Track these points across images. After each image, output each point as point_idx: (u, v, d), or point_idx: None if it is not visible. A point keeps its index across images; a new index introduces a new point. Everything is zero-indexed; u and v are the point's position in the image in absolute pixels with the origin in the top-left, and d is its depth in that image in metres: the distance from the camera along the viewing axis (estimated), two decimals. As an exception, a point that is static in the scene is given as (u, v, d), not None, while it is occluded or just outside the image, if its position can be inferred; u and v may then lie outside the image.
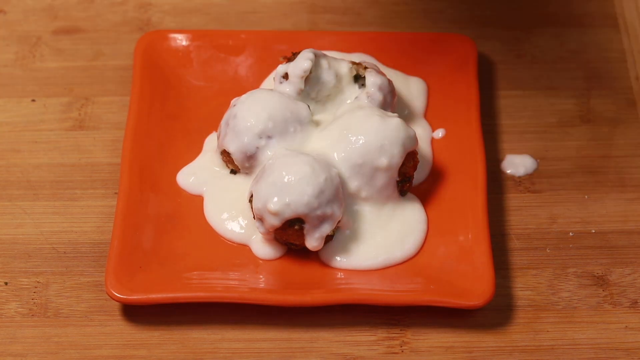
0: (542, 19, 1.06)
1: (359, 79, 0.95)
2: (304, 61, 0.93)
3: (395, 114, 0.91)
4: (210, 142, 0.96)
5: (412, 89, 0.99)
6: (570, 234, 0.93)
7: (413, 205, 0.92)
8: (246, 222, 0.91)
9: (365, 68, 0.94)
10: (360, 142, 0.89)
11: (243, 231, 0.91)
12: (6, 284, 0.90)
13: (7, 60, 1.03)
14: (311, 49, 0.95)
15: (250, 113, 0.91)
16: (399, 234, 0.90)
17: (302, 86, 0.94)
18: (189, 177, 0.94)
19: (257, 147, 0.91)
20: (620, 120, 1.00)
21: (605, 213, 0.94)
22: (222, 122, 0.93)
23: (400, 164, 0.90)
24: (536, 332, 0.88)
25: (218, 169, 0.94)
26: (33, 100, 1.00)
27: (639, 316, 0.89)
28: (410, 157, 0.90)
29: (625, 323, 0.88)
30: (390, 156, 0.89)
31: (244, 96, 0.93)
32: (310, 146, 0.92)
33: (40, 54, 1.04)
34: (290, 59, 0.95)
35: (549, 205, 0.95)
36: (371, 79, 0.93)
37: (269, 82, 0.99)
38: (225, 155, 0.93)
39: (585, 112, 1.00)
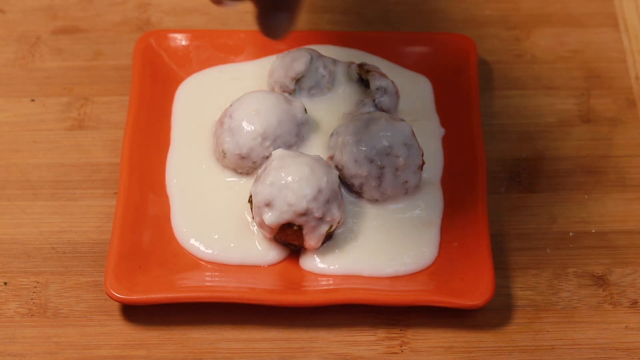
0: (542, 19, 1.06)
1: (362, 82, 0.95)
2: (297, 63, 0.93)
3: (401, 118, 0.91)
4: (180, 132, 0.96)
5: (420, 87, 0.99)
6: (570, 234, 0.93)
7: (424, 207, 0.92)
8: (234, 243, 0.90)
9: (368, 71, 0.94)
10: (368, 145, 0.89)
11: (238, 251, 0.90)
12: (5, 284, 0.90)
13: (6, 60, 1.03)
14: (307, 49, 0.95)
15: (245, 113, 0.91)
16: (408, 241, 0.90)
17: (293, 87, 0.94)
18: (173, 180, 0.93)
19: (252, 148, 0.91)
20: (620, 120, 1.00)
21: (605, 213, 0.94)
22: (217, 122, 0.93)
23: (407, 165, 0.90)
24: (536, 332, 0.88)
25: (198, 164, 0.94)
26: (32, 100, 1.00)
27: (639, 316, 0.89)
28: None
29: (625, 323, 0.88)
30: (397, 158, 0.89)
31: (240, 96, 0.93)
32: (315, 149, 0.92)
33: (40, 53, 1.04)
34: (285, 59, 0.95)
35: (549, 205, 0.95)
36: (376, 82, 0.93)
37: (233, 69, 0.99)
38: (220, 154, 0.92)
39: (585, 112, 1.00)
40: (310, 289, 0.87)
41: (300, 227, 0.87)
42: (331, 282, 0.88)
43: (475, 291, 0.86)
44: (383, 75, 0.94)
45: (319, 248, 0.89)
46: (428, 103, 0.98)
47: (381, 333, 0.88)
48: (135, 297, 0.86)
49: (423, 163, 0.91)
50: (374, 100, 0.93)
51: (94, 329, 0.88)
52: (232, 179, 0.93)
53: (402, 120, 0.91)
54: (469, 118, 0.96)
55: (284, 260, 0.90)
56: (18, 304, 0.89)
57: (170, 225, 0.91)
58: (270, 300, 0.86)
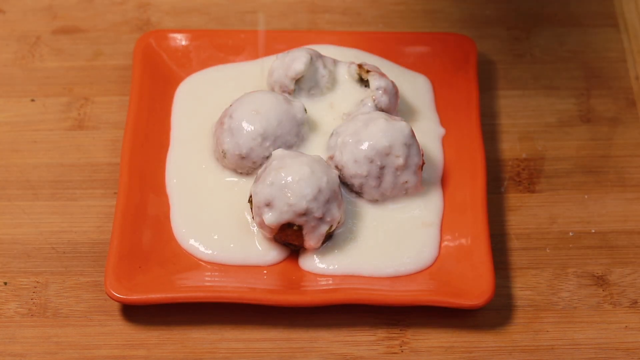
0: (542, 19, 1.06)
1: (362, 82, 0.95)
2: (296, 63, 0.93)
3: (400, 117, 0.91)
4: (180, 132, 0.96)
5: (419, 86, 0.99)
6: (570, 234, 0.93)
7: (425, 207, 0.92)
8: (234, 243, 0.90)
9: (368, 71, 0.94)
10: (368, 145, 0.89)
11: (238, 251, 0.90)
12: (5, 284, 0.90)
13: (6, 60, 1.03)
14: (307, 48, 0.95)
15: (245, 113, 0.91)
16: (408, 241, 0.90)
17: (293, 87, 0.94)
18: (173, 180, 0.93)
19: (252, 148, 0.91)
20: (620, 120, 1.00)
21: (605, 213, 0.94)
22: (217, 122, 0.93)
23: (407, 165, 0.90)
24: (536, 332, 0.88)
25: (197, 164, 0.94)
26: (32, 100, 1.00)
27: (639, 316, 0.89)
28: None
29: (625, 323, 0.88)
30: (397, 158, 0.89)
31: (240, 96, 0.93)
32: (314, 149, 0.92)
33: (40, 53, 1.03)
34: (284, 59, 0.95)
35: (549, 205, 0.95)
36: (375, 82, 0.93)
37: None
38: (220, 155, 0.92)
39: (585, 112, 1.00)
40: (310, 289, 0.87)
41: (300, 227, 0.87)
42: (331, 282, 0.88)
43: (475, 291, 0.86)
44: (383, 75, 0.94)
45: (319, 248, 0.89)
46: (428, 103, 0.98)
47: (381, 333, 0.88)
48: (135, 297, 0.86)
49: (423, 163, 0.91)
50: (374, 100, 0.93)
51: (94, 329, 0.88)
52: (232, 179, 0.93)
53: (402, 120, 0.91)
54: (469, 118, 0.96)
55: (284, 260, 0.89)
56: (18, 304, 0.89)
57: (170, 225, 0.91)
58: (270, 300, 0.86)
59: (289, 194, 0.86)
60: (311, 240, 0.87)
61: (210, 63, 1.00)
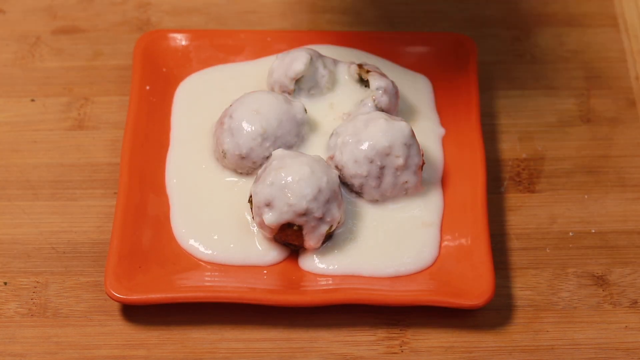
0: (542, 19, 1.06)
1: (362, 82, 0.95)
2: (296, 63, 0.93)
3: (400, 117, 0.91)
4: (179, 132, 0.96)
5: (419, 86, 0.99)
6: (570, 234, 0.93)
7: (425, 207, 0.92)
8: (234, 243, 0.90)
9: (368, 71, 0.94)
10: (368, 145, 0.89)
11: (238, 251, 0.90)
12: (5, 284, 0.90)
13: (6, 60, 1.03)
14: (307, 48, 0.95)
15: (245, 114, 0.91)
16: (408, 241, 0.90)
17: (293, 87, 0.94)
18: (173, 180, 0.93)
19: (252, 148, 0.91)
20: (620, 120, 1.00)
21: (605, 213, 0.94)
22: (217, 122, 0.93)
23: (407, 165, 0.90)
24: (536, 332, 0.88)
25: (197, 164, 0.94)
26: (32, 100, 1.00)
27: (639, 316, 0.89)
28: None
29: (625, 323, 0.88)
30: (397, 158, 0.89)
31: (240, 97, 0.93)
32: (314, 149, 0.92)
33: (40, 53, 1.03)
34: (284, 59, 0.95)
35: (549, 205, 0.95)
36: (375, 82, 0.93)
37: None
38: (220, 155, 0.92)
39: (585, 112, 1.00)
40: (310, 289, 0.87)
41: (300, 227, 0.87)
42: (331, 282, 0.88)
43: (475, 291, 0.86)
44: (383, 75, 0.94)
45: (318, 248, 0.89)
46: (428, 103, 0.98)
47: (381, 333, 0.88)
48: (135, 297, 0.86)
49: (423, 163, 0.91)
50: (374, 100, 0.93)
51: (94, 329, 0.88)
52: (232, 179, 0.93)
53: (402, 120, 0.91)
54: (469, 118, 0.96)
55: (284, 260, 0.89)
56: (18, 304, 0.89)
57: (170, 225, 0.91)
58: (270, 300, 0.86)
59: (289, 194, 0.86)
60: (311, 240, 0.87)
61: (210, 63, 1.00)
